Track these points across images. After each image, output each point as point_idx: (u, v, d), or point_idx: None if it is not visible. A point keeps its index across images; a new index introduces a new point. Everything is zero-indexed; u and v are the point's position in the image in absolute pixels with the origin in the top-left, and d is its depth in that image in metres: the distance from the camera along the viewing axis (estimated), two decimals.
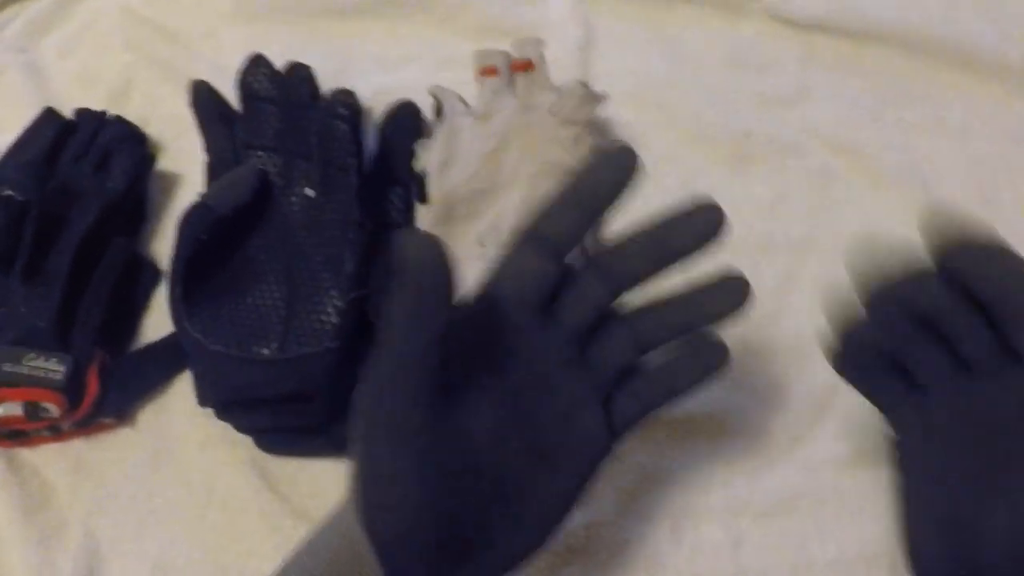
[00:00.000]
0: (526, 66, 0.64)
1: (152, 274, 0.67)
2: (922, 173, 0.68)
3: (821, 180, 0.67)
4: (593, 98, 0.61)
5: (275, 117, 0.65)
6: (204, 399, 0.59)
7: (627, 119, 0.68)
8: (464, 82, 0.67)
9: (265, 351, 0.58)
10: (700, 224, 0.45)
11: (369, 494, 0.42)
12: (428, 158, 0.62)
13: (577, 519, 0.46)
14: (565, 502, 0.45)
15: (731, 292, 0.46)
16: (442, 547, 0.42)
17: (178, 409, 0.64)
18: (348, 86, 0.64)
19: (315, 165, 0.63)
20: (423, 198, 0.63)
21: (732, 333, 0.61)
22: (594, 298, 0.45)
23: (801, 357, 0.62)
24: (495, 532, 0.43)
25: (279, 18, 0.74)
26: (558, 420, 0.45)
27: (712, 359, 0.47)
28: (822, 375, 0.61)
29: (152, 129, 0.73)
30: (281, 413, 0.58)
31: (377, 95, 0.69)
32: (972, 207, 0.65)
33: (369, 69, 0.72)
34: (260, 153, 0.65)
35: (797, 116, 0.69)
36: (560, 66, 0.66)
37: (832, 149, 0.68)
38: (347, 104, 0.62)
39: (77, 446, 0.63)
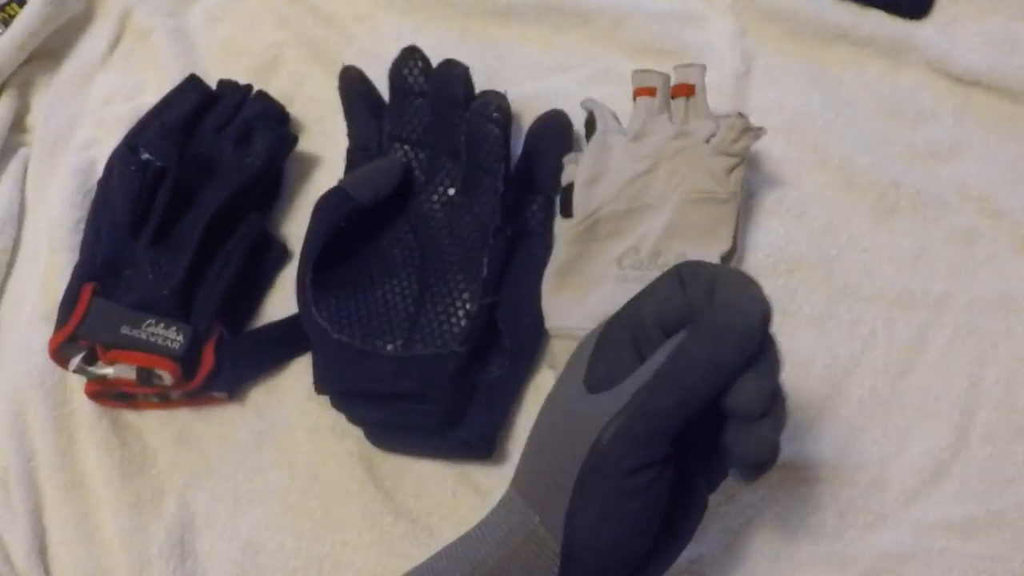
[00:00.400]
0: (687, 91, 0.63)
1: (280, 254, 0.67)
2: None
3: (965, 239, 0.65)
4: (752, 132, 0.60)
5: (424, 112, 0.64)
6: (322, 387, 0.59)
7: (778, 155, 0.67)
8: (616, 98, 0.66)
9: (389, 346, 0.58)
10: None
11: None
12: (576, 172, 0.62)
13: (683, 554, 0.45)
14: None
15: None
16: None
17: (290, 393, 0.63)
18: (500, 89, 0.63)
19: (461, 165, 0.63)
20: (564, 211, 0.62)
21: (863, 383, 0.61)
22: None
23: (927, 416, 0.61)
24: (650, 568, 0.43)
25: (435, 11, 0.73)
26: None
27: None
28: (946, 436, 0.60)
29: (295, 109, 0.73)
30: (397, 410, 0.58)
31: (526, 101, 0.69)
32: None
33: (521, 74, 0.71)
34: (405, 147, 0.64)
35: (948, 172, 0.67)
36: (715, 93, 0.65)
37: (979, 209, 0.66)
38: (500, 107, 0.61)
39: (183, 416, 0.63)
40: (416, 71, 0.65)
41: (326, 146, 0.71)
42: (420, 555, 0.44)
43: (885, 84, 0.71)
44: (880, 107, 0.70)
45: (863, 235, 0.65)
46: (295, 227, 0.68)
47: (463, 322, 0.59)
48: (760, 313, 0.39)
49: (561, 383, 0.44)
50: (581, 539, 0.40)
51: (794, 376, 0.59)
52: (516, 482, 0.44)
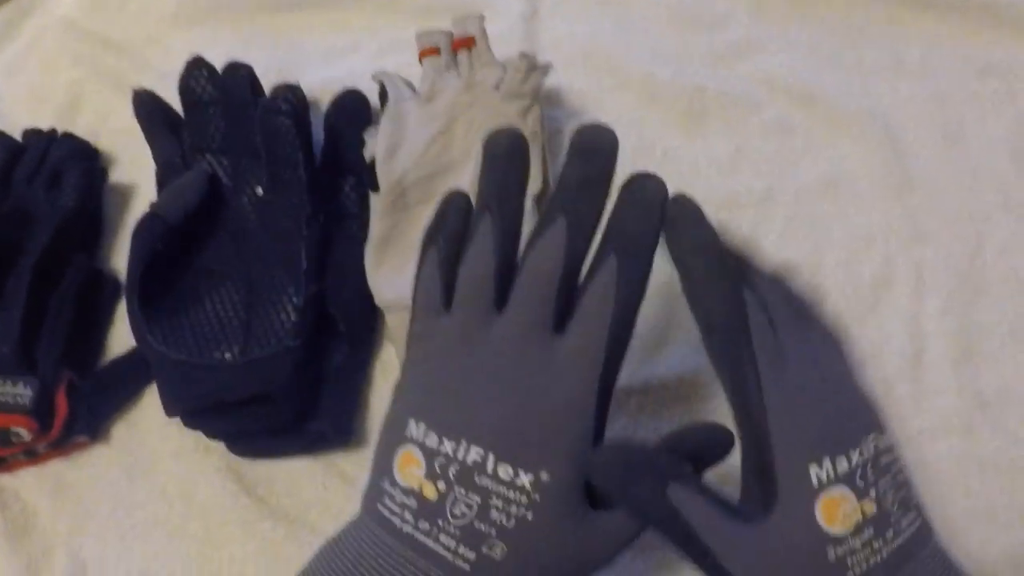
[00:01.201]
0: (467, 43, 0.63)
1: (113, 289, 0.67)
2: (883, 116, 0.67)
3: (780, 131, 0.66)
4: (538, 70, 0.60)
5: (219, 119, 0.64)
6: (170, 409, 0.58)
7: (579, 86, 0.67)
8: (410, 65, 0.66)
9: (227, 356, 0.58)
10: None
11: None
12: (375, 145, 0.61)
13: None
14: None
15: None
16: None
17: (150, 422, 0.63)
18: (296, 80, 0.63)
19: (262, 163, 0.62)
20: (373, 186, 0.61)
21: None
22: None
23: None
24: None
25: (222, 17, 0.73)
26: None
27: None
28: None
29: (104, 142, 0.72)
30: (248, 416, 0.58)
31: (325, 86, 0.68)
32: (937, 147, 0.65)
33: (315, 61, 0.71)
34: (208, 156, 0.64)
35: (751, 69, 0.68)
36: (506, 39, 0.65)
37: (789, 99, 0.67)
38: (288, 99, 0.61)
39: (55, 467, 0.63)
40: (203, 80, 0.64)
41: (139, 174, 0.71)
42: (303, 553, 0.44)
43: None
44: (673, 17, 0.70)
45: (677, 147, 0.65)
46: (123, 259, 0.67)
47: (293, 317, 0.58)
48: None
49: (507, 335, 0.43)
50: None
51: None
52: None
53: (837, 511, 0.39)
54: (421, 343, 0.45)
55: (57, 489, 0.62)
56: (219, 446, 0.61)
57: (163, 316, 0.60)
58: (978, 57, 0.70)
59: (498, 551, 0.40)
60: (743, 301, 0.42)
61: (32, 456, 0.62)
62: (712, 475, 0.43)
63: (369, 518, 0.43)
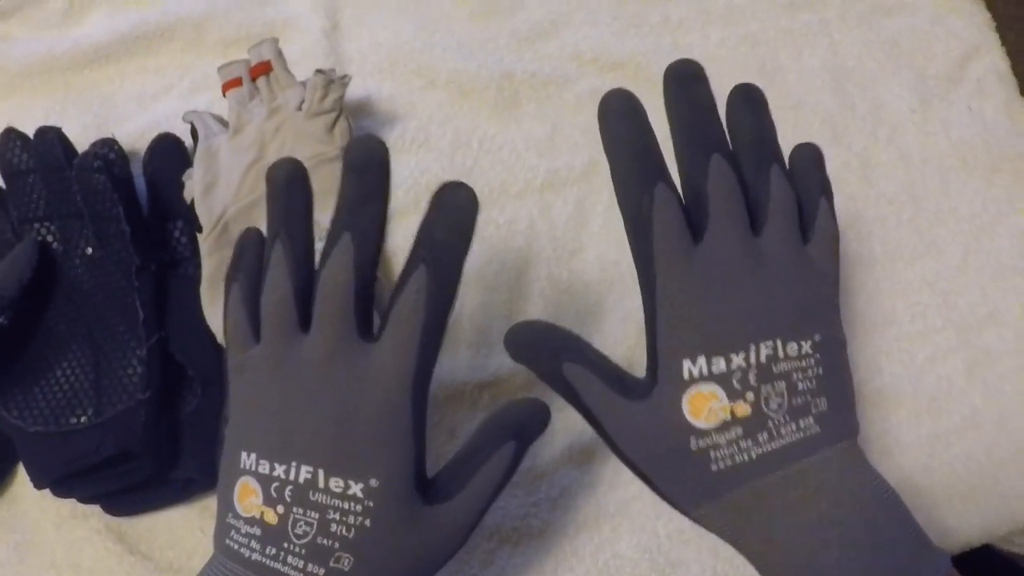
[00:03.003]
0: (264, 68, 0.63)
1: None
2: None
3: (593, 103, 0.65)
4: (336, 82, 0.60)
5: (39, 186, 0.63)
6: (37, 481, 0.58)
7: (388, 92, 0.67)
8: (221, 100, 0.66)
9: (82, 419, 0.58)
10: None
11: None
12: (192, 185, 0.61)
13: None
14: None
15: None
16: None
17: (28, 496, 0.63)
18: (111, 133, 0.63)
19: (87, 223, 0.62)
20: (197, 227, 0.62)
21: (539, 275, 0.62)
22: None
23: (611, 282, 0.62)
24: None
25: (35, 83, 0.72)
26: None
27: None
28: (638, 297, 0.61)
29: None
30: (112, 476, 0.58)
31: (144, 133, 0.68)
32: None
33: (129, 111, 0.70)
34: (35, 225, 0.64)
35: (557, 46, 0.69)
36: (310, 56, 0.66)
37: (598, 69, 0.68)
38: (100, 154, 0.61)
39: None
40: (18, 150, 0.64)
41: None
42: None
43: None
44: (473, 10, 0.71)
45: (493, 135, 0.66)
46: None
47: (139, 369, 0.59)
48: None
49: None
50: None
51: (466, 291, 0.59)
52: None
53: (703, 406, 0.42)
54: (239, 376, 0.46)
55: None
56: (95, 509, 0.61)
57: (16, 390, 0.60)
58: None
59: (345, 562, 0.42)
60: (650, 198, 0.43)
61: None
62: None
63: (221, 554, 0.44)
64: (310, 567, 0.42)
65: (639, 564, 0.57)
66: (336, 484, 0.42)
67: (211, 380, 0.61)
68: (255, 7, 0.72)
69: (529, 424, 0.46)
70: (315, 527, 0.42)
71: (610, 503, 0.58)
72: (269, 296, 0.45)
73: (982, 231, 0.65)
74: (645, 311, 0.45)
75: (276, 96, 0.63)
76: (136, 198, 0.63)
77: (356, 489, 0.42)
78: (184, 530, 0.60)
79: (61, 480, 0.58)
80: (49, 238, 0.63)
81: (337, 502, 0.42)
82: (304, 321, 0.44)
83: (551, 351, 0.45)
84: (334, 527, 0.42)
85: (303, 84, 0.62)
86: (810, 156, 0.49)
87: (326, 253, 0.43)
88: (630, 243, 0.45)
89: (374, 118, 0.66)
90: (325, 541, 0.42)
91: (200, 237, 0.62)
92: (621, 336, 0.61)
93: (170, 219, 0.64)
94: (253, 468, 0.44)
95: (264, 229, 0.47)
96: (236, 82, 0.63)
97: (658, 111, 0.44)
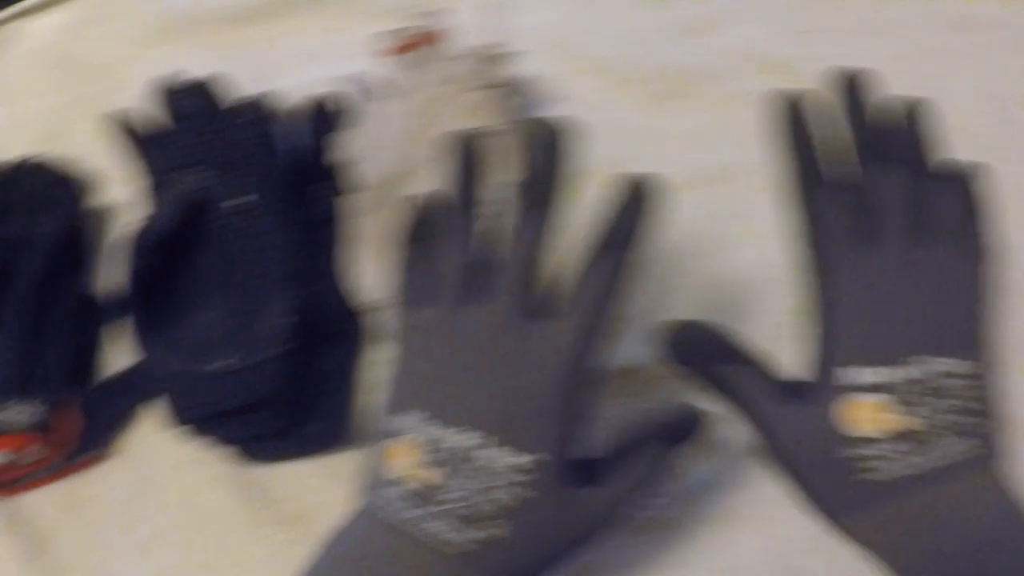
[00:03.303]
0: (435, 38, 0.63)
1: (103, 309, 0.67)
2: None
3: (752, 101, 0.65)
4: (505, 58, 0.60)
5: (192, 135, 0.65)
6: (175, 420, 0.59)
7: (551, 73, 0.67)
8: (380, 65, 0.66)
9: (227, 362, 0.59)
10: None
11: None
12: (352, 147, 0.62)
13: None
14: None
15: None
16: None
17: (154, 434, 0.64)
18: (267, 88, 0.64)
19: (240, 173, 0.63)
20: (351, 188, 0.62)
21: (697, 268, 0.61)
22: None
23: (769, 282, 0.61)
24: None
25: (192, 35, 0.74)
26: None
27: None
28: (789, 299, 0.61)
29: (86, 165, 0.73)
30: (246, 423, 0.59)
31: (296, 93, 0.69)
32: None
33: (285, 69, 0.71)
34: (190, 171, 0.65)
35: (720, 41, 0.68)
36: (474, 31, 0.66)
37: (760, 68, 0.67)
38: (261, 109, 0.62)
39: (68, 485, 0.63)
40: (179, 98, 0.65)
41: (122, 195, 0.71)
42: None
43: None
44: None
45: (652, 126, 0.66)
46: (110, 281, 0.68)
47: (284, 321, 0.59)
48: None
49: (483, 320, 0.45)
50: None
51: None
52: None
53: (868, 415, 0.42)
54: (410, 336, 0.47)
55: (71, 507, 0.63)
56: (218, 455, 0.61)
57: (162, 329, 0.61)
58: (949, 12, 0.70)
59: (498, 530, 0.42)
60: (827, 201, 0.44)
61: (45, 475, 0.63)
62: None
63: (368, 509, 0.45)
64: (464, 530, 0.42)
65: (757, 567, 0.57)
66: (504, 453, 0.42)
67: (350, 339, 0.62)
68: None
69: (682, 429, 0.46)
70: (475, 492, 0.42)
71: (737, 503, 0.58)
72: (449, 262, 0.45)
73: None
74: (811, 314, 0.45)
75: (446, 66, 0.63)
76: (290, 154, 0.64)
77: (523, 460, 0.42)
78: (307, 485, 0.60)
79: (199, 421, 0.59)
80: (203, 184, 0.64)
81: (503, 471, 0.42)
82: (481, 290, 0.45)
83: (711, 351, 0.45)
84: (495, 494, 0.42)
85: (470, 57, 0.63)
86: (972, 176, 0.48)
87: (508, 227, 0.44)
88: (800, 245, 0.45)
89: (533, 97, 0.67)
90: (484, 507, 0.42)
91: (356, 198, 0.62)
92: (772, 337, 0.60)
93: (320, 178, 0.65)
94: (416, 428, 0.44)
95: (426, 195, 0.48)
96: (406, 48, 0.64)
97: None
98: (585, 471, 0.45)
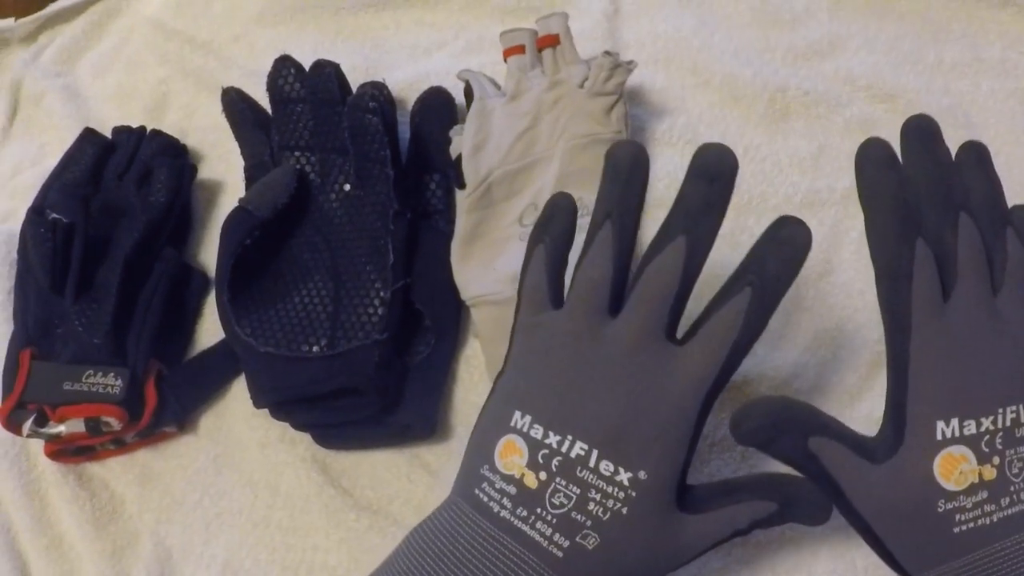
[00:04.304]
0: (552, 41, 0.63)
1: (201, 282, 0.68)
2: (964, 114, 0.66)
3: (862, 129, 0.65)
4: (622, 67, 0.60)
5: (306, 116, 0.65)
6: (259, 401, 0.60)
7: (660, 85, 0.67)
8: (494, 63, 0.67)
9: (315, 348, 0.59)
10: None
11: None
12: (461, 143, 0.62)
13: None
14: None
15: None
16: None
17: (237, 413, 0.64)
18: (380, 78, 0.64)
19: (350, 160, 0.63)
20: (459, 183, 0.62)
21: (799, 292, 0.61)
22: None
23: (854, 311, 0.61)
24: None
25: (307, 16, 0.74)
26: None
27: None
28: (878, 328, 0.60)
29: (191, 140, 0.74)
30: (335, 408, 0.59)
31: (410, 84, 0.70)
32: (1019, 143, 0.64)
33: (400, 60, 0.71)
34: (296, 153, 0.65)
35: (832, 67, 0.68)
36: (589, 38, 0.66)
37: (870, 97, 0.66)
38: (375, 96, 0.62)
39: (142, 456, 0.64)
40: (291, 79, 0.65)
41: (226, 170, 0.73)
42: (387, 544, 0.46)
43: None
44: (755, 17, 0.70)
45: (759, 145, 0.65)
46: (210, 254, 0.69)
47: (380, 311, 0.59)
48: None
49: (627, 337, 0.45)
50: None
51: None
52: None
53: (954, 468, 0.42)
54: (528, 336, 0.47)
55: (144, 478, 0.63)
56: (305, 437, 0.62)
57: (252, 309, 0.61)
58: None
59: (591, 541, 0.42)
60: (911, 253, 0.43)
61: (121, 445, 0.64)
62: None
63: (464, 502, 0.45)
64: (556, 537, 0.42)
65: None
66: (606, 467, 0.43)
67: (445, 333, 0.62)
68: None
69: (804, 512, 0.46)
70: (573, 502, 0.42)
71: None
72: (588, 272, 0.45)
73: None
74: (891, 365, 0.44)
75: (559, 69, 0.63)
76: (399, 145, 0.64)
77: (624, 476, 0.43)
78: (390, 474, 0.61)
79: (283, 404, 0.59)
80: (308, 168, 0.65)
81: (602, 484, 0.43)
82: (614, 306, 0.45)
83: (796, 427, 0.44)
84: (591, 506, 0.43)
85: (587, 63, 0.62)
86: None
87: (657, 248, 0.44)
88: (881, 295, 0.44)
89: (644, 108, 0.67)
90: (579, 517, 0.42)
91: (460, 194, 0.62)
92: (855, 364, 0.59)
93: (429, 171, 0.65)
94: (525, 429, 0.44)
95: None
96: (520, 49, 0.64)
97: None
98: (687, 496, 0.45)
